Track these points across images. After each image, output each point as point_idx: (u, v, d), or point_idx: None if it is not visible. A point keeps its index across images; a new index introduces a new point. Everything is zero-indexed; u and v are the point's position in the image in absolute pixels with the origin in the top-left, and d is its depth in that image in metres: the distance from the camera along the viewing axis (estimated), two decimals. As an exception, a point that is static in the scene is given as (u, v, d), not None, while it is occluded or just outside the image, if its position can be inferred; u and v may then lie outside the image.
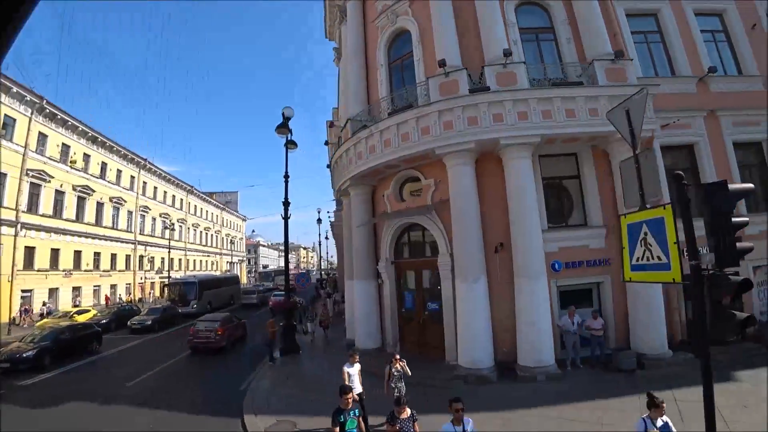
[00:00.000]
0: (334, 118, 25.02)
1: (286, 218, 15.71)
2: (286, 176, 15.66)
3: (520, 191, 10.69)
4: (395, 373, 7.45)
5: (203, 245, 58.05)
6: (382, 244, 13.84)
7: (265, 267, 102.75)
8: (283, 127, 14.75)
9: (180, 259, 49.50)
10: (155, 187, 43.89)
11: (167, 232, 41.90)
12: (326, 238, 49.55)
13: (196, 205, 55.87)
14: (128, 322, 21.77)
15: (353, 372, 7.67)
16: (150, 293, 40.73)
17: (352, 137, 13.18)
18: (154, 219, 43.33)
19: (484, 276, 10.76)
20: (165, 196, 46.48)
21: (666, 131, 11.57)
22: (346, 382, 6.97)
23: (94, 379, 12.65)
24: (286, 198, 15.70)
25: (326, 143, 23.21)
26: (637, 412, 6.00)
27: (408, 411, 5.34)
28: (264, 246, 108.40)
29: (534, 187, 10.84)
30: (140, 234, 39.75)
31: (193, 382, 12.47)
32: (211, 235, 61.69)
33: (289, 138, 15.11)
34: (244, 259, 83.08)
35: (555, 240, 11.24)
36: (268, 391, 10.68)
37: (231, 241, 67.74)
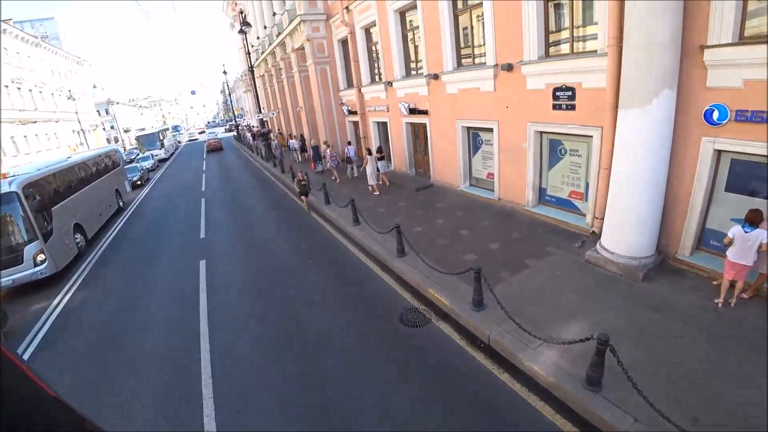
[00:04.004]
0: None
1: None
2: None
3: None
4: None
5: (20, 110, 33.79)
6: None
7: (126, 130, 75.77)
8: None
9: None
10: None
11: None
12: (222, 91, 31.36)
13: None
14: None
15: None
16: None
17: None
18: None
19: None
20: None
21: None
22: None
23: None
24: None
25: None
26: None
27: None
28: (117, 103, 77.76)
29: None
30: None
31: None
32: (29, 90, 36.37)
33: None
34: (98, 124, 56.98)
35: None
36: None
37: (70, 97, 42.12)
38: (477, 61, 10.74)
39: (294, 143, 24.33)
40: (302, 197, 13.50)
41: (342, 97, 19.09)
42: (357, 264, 8.79)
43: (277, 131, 32.71)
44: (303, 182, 13.22)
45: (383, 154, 14.95)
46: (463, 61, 11.28)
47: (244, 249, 10.67)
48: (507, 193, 10.60)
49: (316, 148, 19.20)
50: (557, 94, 8.53)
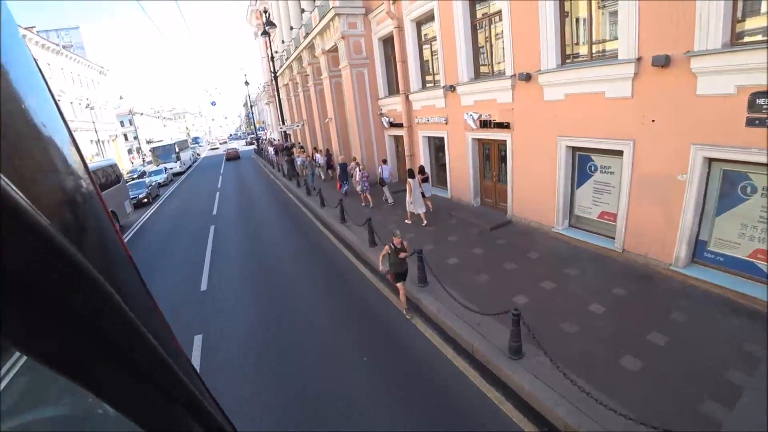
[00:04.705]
0: None
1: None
2: None
3: None
4: None
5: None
6: None
7: (149, 141, 75.13)
8: None
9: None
10: None
11: None
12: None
13: None
14: None
15: None
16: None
17: None
18: None
19: None
20: None
21: None
22: None
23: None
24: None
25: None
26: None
27: None
28: (140, 114, 77.03)
29: None
30: None
31: None
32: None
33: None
34: (117, 135, 55.75)
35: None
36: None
37: (89, 106, 40.67)
38: (596, 55, 7.67)
39: (319, 158, 21.59)
40: (397, 283, 6.77)
41: (381, 106, 16.25)
42: (441, 364, 5.56)
43: (298, 145, 30.10)
44: (401, 254, 6.44)
45: (426, 175, 12.09)
46: (569, 58, 8.24)
47: (257, 316, 7.61)
48: (638, 243, 7.39)
49: (344, 166, 16.34)
50: (758, 102, 5.40)
